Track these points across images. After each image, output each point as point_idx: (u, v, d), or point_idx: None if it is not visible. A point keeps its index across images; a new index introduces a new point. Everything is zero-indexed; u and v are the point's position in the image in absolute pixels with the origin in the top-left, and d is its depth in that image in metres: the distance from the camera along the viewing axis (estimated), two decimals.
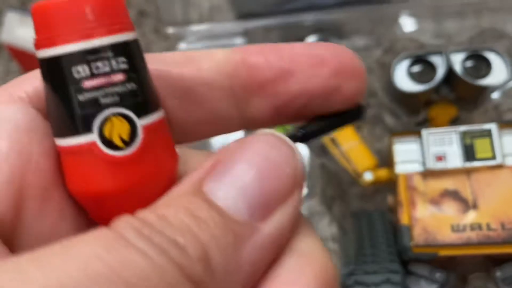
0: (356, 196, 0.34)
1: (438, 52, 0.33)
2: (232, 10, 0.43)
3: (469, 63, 0.33)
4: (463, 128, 0.30)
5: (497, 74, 0.32)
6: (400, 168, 0.31)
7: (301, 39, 0.37)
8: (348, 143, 0.36)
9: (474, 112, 0.34)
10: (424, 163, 0.30)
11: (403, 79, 0.33)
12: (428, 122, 0.35)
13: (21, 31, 0.37)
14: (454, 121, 0.35)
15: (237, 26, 0.37)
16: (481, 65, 0.33)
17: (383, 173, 0.34)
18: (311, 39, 0.36)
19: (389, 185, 0.32)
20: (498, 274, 0.29)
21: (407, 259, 0.29)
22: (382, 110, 0.35)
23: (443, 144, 0.30)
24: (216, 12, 0.44)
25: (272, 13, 0.39)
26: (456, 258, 0.30)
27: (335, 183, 0.35)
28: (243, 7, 0.42)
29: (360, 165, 0.34)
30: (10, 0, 0.52)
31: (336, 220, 0.33)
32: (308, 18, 0.36)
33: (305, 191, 0.30)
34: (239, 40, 0.40)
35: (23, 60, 0.43)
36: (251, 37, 0.39)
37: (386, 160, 0.33)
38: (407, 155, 0.31)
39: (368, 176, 0.34)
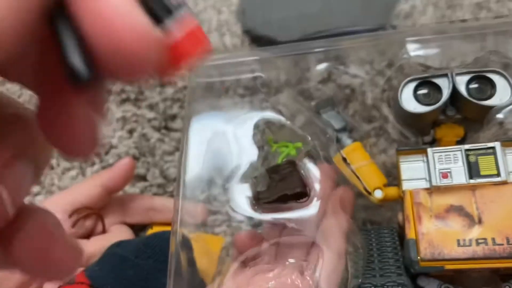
0: (362, 208, 0.35)
1: (444, 75, 0.35)
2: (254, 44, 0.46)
3: (474, 85, 0.34)
4: (467, 146, 0.31)
5: (502, 94, 0.34)
6: (407, 185, 0.32)
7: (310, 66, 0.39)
8: (359, 162, 0.37)
9: (480, 131, 0.35)
10: (430, 180, 0.31)
11: (409, 101, 0.35)
12: (436, 143, 0.36)
13: None
14: (461, 141, 0.36)
15: (251, 54, 0.40)
16: (486, 86, 0.34)
17: (392, 191, 0.35)
18: (320, 66, 0.39)
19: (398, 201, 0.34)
20: None
21: (415, 272, 0.30)
22: (386, 124, 0.37)
23: (448, 161, 0.31)
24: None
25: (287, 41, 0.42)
26: (464, 273, 0.30)
27: None
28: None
29: (371, 184, 0.36)
30: None
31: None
32: (319, 45, 0.38)
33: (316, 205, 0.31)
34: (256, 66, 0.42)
35: None
36: (264, 64, 0.42)
37: (390, 172, 0.34)
38: (413, 173, 0.32)
39: (378, 194, 0.35)
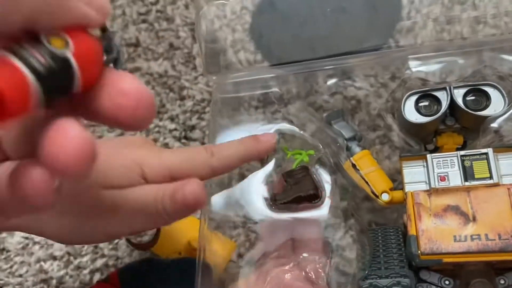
0: (368, 210, 0.39)
1: (442, 88, 0.38)
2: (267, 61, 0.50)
3: (470, 97, 0.38)
4: (463, 152, 0.35)
5: (496, 105, 0.37)
6: (409, 187, 0.35)
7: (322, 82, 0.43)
8: (367, 168, 0.41)
9: (477, 139, 0.38)
10: (429, 183, 0.35)
11: (412, 112, 0.38)
12: (438, 150, 0.40)
13: None
14: (461, 149, 0.39)
15: (267, 72, 0.44)
16: (481, 98, 0.38)
17: (398, 194, 0.38)
18: (329, 82, 0.43)
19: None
20: (502, 282, 0.33)
21: (416, 265, 0.33)
22: (389, 132, 0.40)
23: (445, 166, 0.35)
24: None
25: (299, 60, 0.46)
26: (461, 267, 0.33)
27: (350, 197, 0.40)
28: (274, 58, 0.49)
29: (378, 188, 0.39)
30: None
31: (350, 231, 0.37)
32: (327, 63, 0.42)
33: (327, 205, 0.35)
34: (272, 82, 0.46)
35: None
36: (278, 80, 0.46)
37: (393, 177, 0.38)
38: (415, 176, 0.35)
39: (385, 197, 0.39)
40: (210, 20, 0.58)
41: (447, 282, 0.34)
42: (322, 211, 0.34)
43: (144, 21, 0.61)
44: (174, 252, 0.43)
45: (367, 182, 0.39)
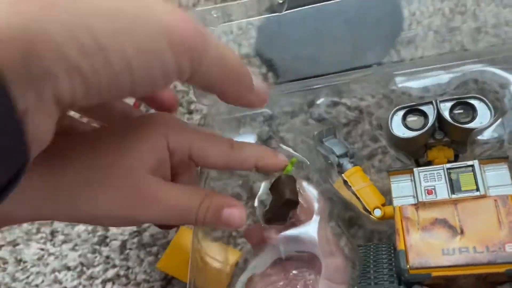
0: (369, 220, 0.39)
1: (429, 102, 0.39)
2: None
3: (457, 110, 0.38)
4: (449, 165, 0.35)
5: (482, 117, 0.37)
6: (397, 202, 0.35)
7: (314, 100, 0.44)
8: (359, 184, 0.41)
9: (467, 152, 0.38)
10: (416, 197, 0.35)
11: (399, 127, 0.39)
12: (430, 164, 0.40)
13: None
14: (453, 162, 0.39)
15: None
16: (468, 111, 0.38)
17: (390, 209, 0.38)
18: (321, 100, 0.43)
19: None
20: None
21: (405, 280, 0.33)
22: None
23: (432, 179, 0.35)
24: None
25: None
26: (453, 282, 0.33)
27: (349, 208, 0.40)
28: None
29: (370, 204, 0.39)
30: None
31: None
32: (320, 82, 0.43)
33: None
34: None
35: None
36: (274, 100, 0.47)
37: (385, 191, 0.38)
38: (402, 191, 0.36)
39: (377, 213, 0.39)
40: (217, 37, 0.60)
41: None
42: (311, 227, 0.34)
43: None
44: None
45: (359, 198, 0.40)
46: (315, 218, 0.34)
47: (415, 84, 0.42)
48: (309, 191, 0.35)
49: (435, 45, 0.47)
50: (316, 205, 0.34)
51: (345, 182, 0.41)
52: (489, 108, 0.37)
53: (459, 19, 0.47)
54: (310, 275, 0.34)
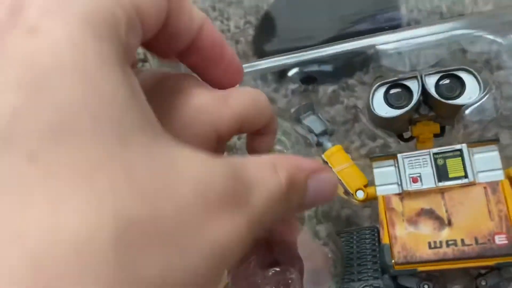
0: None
1: (413, 77, 0.35)
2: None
3: (443, 83, 0.35)
4: (435, 150, 0.32)
5: (471, 92, 0.34)
6: (380, 190, 0.33)
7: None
8: (340, 165, 0.38)
9: (455, 128, 0.35)
10: (401, 185, 0.32)
11: (381, 105, 0.36)
12: (414, 139, 0.37)
13: None
14: (439, 136, 0.37)
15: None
16: (455, 85, 0.35)
17: (373, 190, 0.36)
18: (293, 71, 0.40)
19: None
20: (483, 283, 0.31)
21: (391, 275, 0.31)
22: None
23: (418, 166, 0.32)
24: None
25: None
26: (440, 272, 0.32)
27: None
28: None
29: (352, 185, 0.37)
30: None
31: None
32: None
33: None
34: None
35: None
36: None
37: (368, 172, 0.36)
38: (386, 178, 0.33)
39: (360, 195, 0.36)
40: None
41: (426, 287, 0.32)
42: None
43: None
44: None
45: (340, 180, 0.37)
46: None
47: (394, 57, 0.38)
48: None
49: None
50: None
51: (325, 163, 0.38)
52: (478, 82, 0.34)
53: None
54: (291, 274, 0.32)
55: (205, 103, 0.21)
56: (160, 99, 0.20)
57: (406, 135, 0.39)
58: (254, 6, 0.51)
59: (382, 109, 0.36)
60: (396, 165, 0.33)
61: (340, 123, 0.41)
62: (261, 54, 0.46)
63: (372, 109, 0.35)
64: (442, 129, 0.37)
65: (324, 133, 0.40)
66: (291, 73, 0.40)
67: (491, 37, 0.35)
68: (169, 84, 0.21)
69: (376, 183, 0.33)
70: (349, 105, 0.42)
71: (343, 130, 0.40)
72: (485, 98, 0.33)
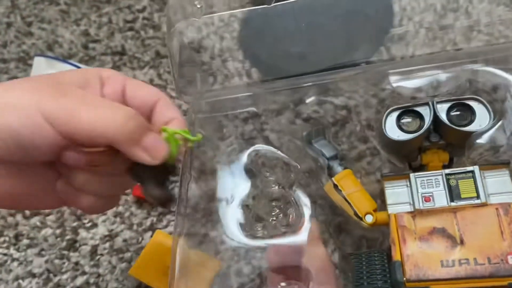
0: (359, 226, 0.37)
1: (425, 103, 0.36)
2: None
3: (454, 112, 0.36)
4: (448, 170, 0.33)
5: (481, 120, 0.35)
6: (392, 209, 0.33)
7: (302, 98, 0.41)
8: (350, 189, 0.39)
9: (464, 156, 0.36)
10: (413, 204, 0.33)
11: (393, 129, 0.37)
12: (423, 168, 0.38)
13: (48, 73, 0.42)
14: (448, 166, 0.37)
15: (246, 91, 0.42)
16: (466, 113, 0.36)
17: (382, 215, 0.36)
18: (310, 99, 0.41)
19: None
20: None
21: None
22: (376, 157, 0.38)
23: (430, 186, 0.33)
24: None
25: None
26: None
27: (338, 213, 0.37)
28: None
29: (362, 209, 0.37)
30: (38, 46, 0.60)
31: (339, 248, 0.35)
32: (308, 80, 0.41)
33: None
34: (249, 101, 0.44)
35: None
36: (260, 98, 0.44)
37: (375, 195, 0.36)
38: (398, 197, 0.33)
39: (368, 219, 0.36)
40: (197, 28, 0.57)
41: None
42: (301, 237, 0.32)
43: (130, 29, 0.60)
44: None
45: (350, 204, 0.37)
46: (306, 227, 0.32)
47: (406, 83, 0.40)
48: (300, 199, 0.33)
49: (427, 43, 0.45)
50: (307, 213, 0.32)
51: (335, 186, 0.39)
52: (488, 110, 0.35)
53: (451, 16, 0.45)
54: (300, 287, 0.31)
55: None
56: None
57: (415, 164, 0.39)
58: None
59: (394, 133, 0.36)
60: (409, 185, 0.33)
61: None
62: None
63: (385, 132, 0.36)
64: (451, 160, 0.38)
65: (335, 157, 0.40)
66: (308, 100, 0.41)
67: (495, 70, 0.37)
68: None
69: (388, 202, 0.34)
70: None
71: (354, 154, 0.41)
72: (496, 126, 0.34)
